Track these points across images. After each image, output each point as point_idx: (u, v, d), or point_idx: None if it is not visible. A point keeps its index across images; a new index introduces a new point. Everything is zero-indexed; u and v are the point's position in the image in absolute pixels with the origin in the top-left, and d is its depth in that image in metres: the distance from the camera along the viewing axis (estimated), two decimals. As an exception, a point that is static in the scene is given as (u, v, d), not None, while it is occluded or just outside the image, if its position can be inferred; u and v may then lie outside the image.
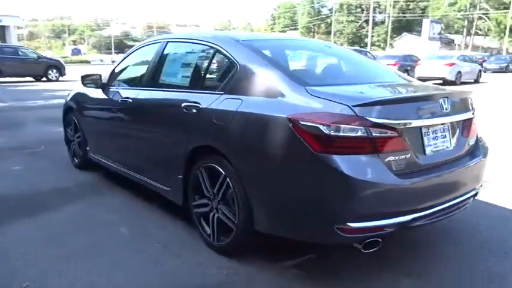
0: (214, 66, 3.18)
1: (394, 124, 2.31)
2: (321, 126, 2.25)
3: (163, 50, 3.62)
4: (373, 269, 2.73)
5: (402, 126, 2.36)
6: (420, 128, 2.48)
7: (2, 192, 4.19)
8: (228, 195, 2.77)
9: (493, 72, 28.75)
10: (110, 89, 4.19)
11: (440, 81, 18.05)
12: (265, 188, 2.50)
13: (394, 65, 19.56)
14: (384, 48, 59.97)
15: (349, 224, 2.25)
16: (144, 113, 3.57)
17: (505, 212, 3.74)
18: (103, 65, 38.41)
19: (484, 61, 26.40)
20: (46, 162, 5.34)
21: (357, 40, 67.10)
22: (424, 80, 18.64)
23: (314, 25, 75.18)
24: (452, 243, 3.10)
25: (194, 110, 2.97)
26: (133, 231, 3.31)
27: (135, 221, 3.49)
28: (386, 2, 64.44)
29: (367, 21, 68.51)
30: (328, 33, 73.04)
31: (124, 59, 4.33)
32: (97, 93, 4.36)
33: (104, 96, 4.21)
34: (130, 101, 3.70)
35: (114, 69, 4.34)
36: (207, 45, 3.25)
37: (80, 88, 4.98)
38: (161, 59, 3.63)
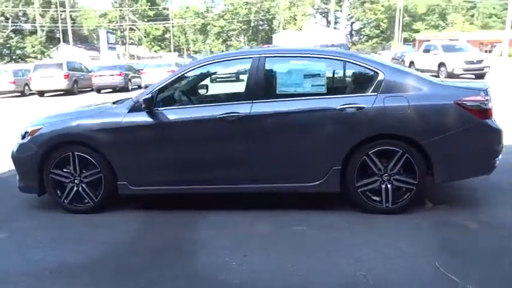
0: (351, 74, 3.97)
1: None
2: (481, 104, 3.73)
3: (264, 64, 3.96)
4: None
5: (491, 101, 4.11)
6: None
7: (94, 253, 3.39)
8: (404, 166, 3.78)
9: None
10: (173, 110, 4.04)
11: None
12: (448, 150, 3.73)
13: (119, 75, 20.19)
14: (41, 59, 56.73)
15: (495, 159, 3.85)
16: (276, 123, 3.85)
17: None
18: None
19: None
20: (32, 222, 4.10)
21: (6, 52, 60.43)
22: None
23: None
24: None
25: (352, 110, 3.76)
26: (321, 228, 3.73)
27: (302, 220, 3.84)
28: (34, 11, 60.88)
29: (14, 31, 62.69)
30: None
31: (173, 81, 4.13)
32: (141, 117, 3.98)
33: (166, 118, 3.97)
34: (242, 114, 3.83)
35: (159, 91, 4.05)
36: (332, 59, 4.04)
37: (79, 119, 4.19)
38: (267, 73, 3.97)
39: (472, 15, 67.79)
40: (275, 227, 3.73)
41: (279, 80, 4.00)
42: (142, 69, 21.93)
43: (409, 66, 19.01)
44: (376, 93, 3.80)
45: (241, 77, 4.40)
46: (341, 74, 4.06)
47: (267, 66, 4.00)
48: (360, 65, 3.97)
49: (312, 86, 3.93)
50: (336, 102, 3.81)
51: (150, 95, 3.93)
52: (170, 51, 63.20)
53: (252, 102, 3.89)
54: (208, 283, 2.85)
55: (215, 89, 4.55)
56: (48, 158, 4.15)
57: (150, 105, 3.92)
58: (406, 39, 57.32)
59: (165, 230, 3.78)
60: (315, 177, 3.89)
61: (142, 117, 3.99)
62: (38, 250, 3.45)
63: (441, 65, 18.05)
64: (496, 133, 3.80)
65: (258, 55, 4.03)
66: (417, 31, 60.69)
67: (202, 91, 4.52)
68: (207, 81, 4.34)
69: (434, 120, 3.75)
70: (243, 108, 3.88)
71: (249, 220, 3.88)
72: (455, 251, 3.17)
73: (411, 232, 3.52)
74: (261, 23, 67.26)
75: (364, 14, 61.94)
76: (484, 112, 3.75)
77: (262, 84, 3.97)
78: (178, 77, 4.18)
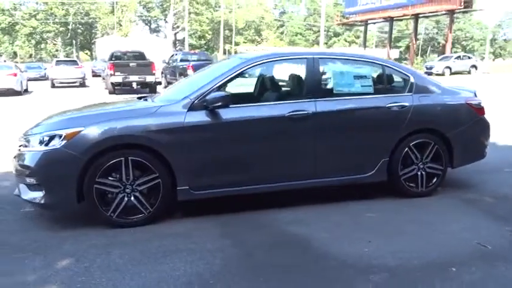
0: (389, 77, 4.45)
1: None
2: (480, 103, 4.70)
3: (319, 65, 4.17)
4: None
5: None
6: None
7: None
8: (433, 155, 4.45)
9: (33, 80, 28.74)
10: (239, 108, 3.95)
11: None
12: (463, 140, 4.55)
13: None
14: None
15: (487, 147, 4.87)
16: (339, 120, 4.11)
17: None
18: None
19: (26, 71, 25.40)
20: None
21: None
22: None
23: None
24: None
25: (397, 108, 4.30)
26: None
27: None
28: None
29: None
30: None
31: (231, 78, 4.00)
32: (206, 116, 3.78)
33: (233, 116, 3.86)
34: (309, 112, 3.98)
35: (218, 89, 3.89)
36: (373, 63, 4.49)
37: (129, 119, 3.70)
38: (323, 73, 4.19)
39: (282, 33, 76.29)
40: (350, 216, 3.98)
41: (334, 80, 4.27)
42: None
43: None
44: (411, 94, 4.42)
45: (294, 76, 4.47)
46: (381, 76, 4.53)
47: (321, 67, 4.23)
48: (395, 69, 4.54)
49: (362, 86, 4.32)
50: (383, 101, 4.29)
51: (224, 93, 3.76)
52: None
53: (315, 101, 4.07)
54: (371, 269, 2.96)
55: (271, 86, 4.50)
56: (92, 165, 3.54)
57: (229, 102, 3.75)
58: (229, 51, 60.88)
59: (254, 230, 3.65)
60: (368, 169, 4.29)
61: (208, 117, 3.78)
62: (144, 268, 2.98)
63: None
64: (489, 126, 4.82)
65: (312, 56, 4.22)
66: (237, 44, 65.20)
67: (259, 89, 4.43)
68: (262, 80, 4.28)
69: (454, 116, 4.56)
70: (309, 106, 4.02)
71: (321, 214, 4.03)
72: (504, 219, 3.95)
73: (455, 208, 4.22)
74: (79, 26, 62.53)
75: (190, 24, 63.49)
76: (482, 110, 4.73)
77: (321, 84, 4.19)
78: (237, 74, 4.03)
